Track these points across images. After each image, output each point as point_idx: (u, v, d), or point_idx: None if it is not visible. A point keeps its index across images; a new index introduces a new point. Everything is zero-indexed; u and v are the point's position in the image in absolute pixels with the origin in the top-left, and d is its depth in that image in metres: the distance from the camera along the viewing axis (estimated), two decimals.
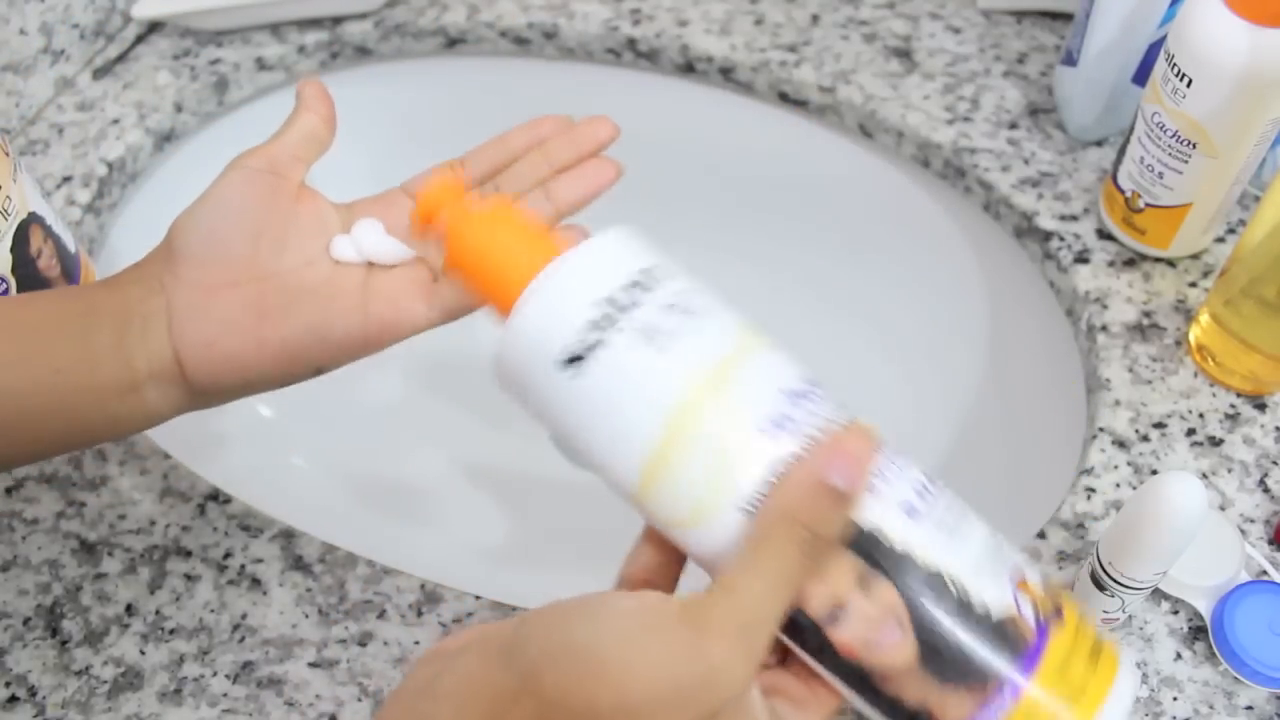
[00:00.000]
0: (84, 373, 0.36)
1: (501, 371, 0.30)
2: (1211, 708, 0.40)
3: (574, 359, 0.28)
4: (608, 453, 0.29)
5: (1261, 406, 0.48)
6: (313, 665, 0.43)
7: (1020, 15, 0.65)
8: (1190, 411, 0.48)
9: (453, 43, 0.68)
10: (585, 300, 0.28)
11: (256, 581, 0.45)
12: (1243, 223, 0.54)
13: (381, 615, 0.44)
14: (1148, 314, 0.51)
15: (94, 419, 0.37)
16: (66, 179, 0.59)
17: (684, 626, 0.26)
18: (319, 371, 0.39)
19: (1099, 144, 0.58)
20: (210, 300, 0.37)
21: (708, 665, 0.26)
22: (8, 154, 0.46)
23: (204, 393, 0.38)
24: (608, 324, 0.28)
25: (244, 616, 0.44)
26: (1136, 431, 0.48)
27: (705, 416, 0.28)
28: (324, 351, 0.38)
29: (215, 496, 0.48)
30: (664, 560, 0.31)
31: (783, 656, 0.30)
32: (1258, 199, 0.53)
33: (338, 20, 0.67)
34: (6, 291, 0.46)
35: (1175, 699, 0.40)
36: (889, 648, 0.27)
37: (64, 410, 0.36)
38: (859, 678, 0.28)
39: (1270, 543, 0.44)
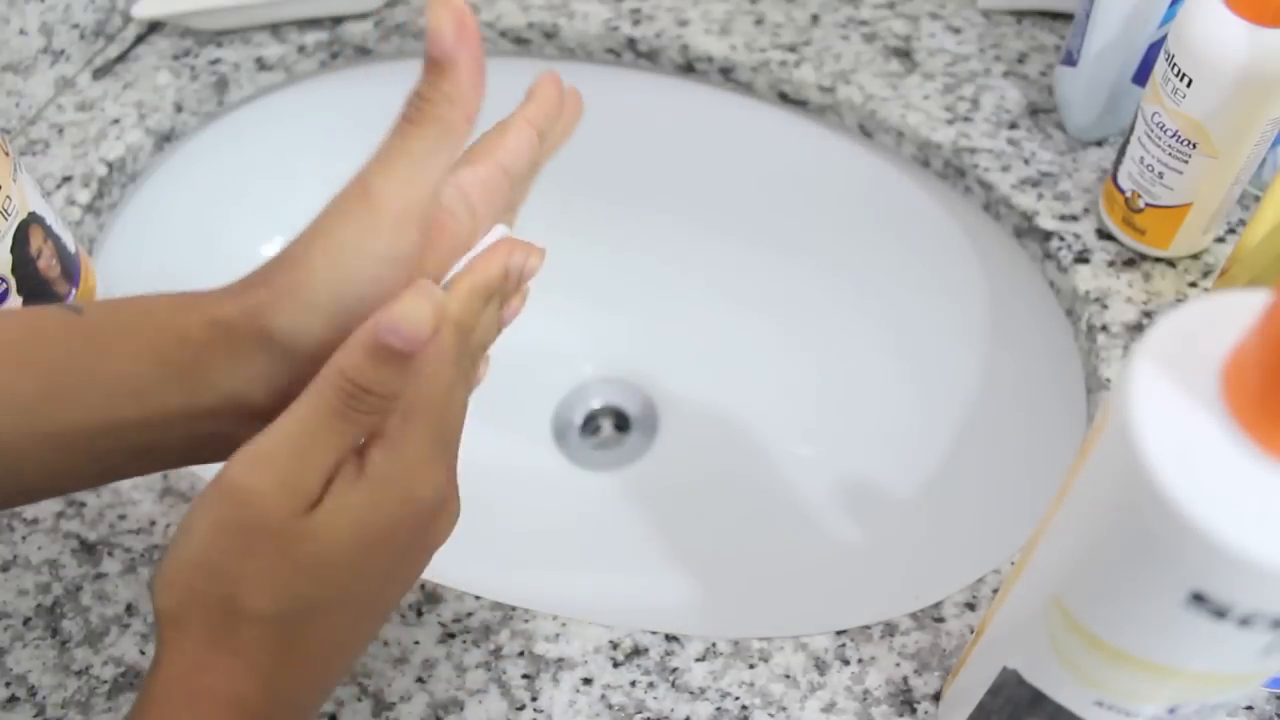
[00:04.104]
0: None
1: None
2: None
3: None
4: None
5: None
6: None
7: (1020, 15, 0.65)
8: None
9: None
10: None
11: None
12: (1243, 223, 0.54)
13: None
14: (1148, 314, 0.51)
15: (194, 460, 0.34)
16: (66, 179, 0.59)
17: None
18: None
19: (1099, 144, 0.58)
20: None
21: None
22: (8, 154, 0.46)
23: None
24: None
25: None
26: None
27: None
28: None
29: None
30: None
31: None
32: (1258, 199, 0.53)
33: (338, 20, 0.67)
34: (6, 292, 0.46)
35: None
36: None
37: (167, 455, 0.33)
38: None
39: None
